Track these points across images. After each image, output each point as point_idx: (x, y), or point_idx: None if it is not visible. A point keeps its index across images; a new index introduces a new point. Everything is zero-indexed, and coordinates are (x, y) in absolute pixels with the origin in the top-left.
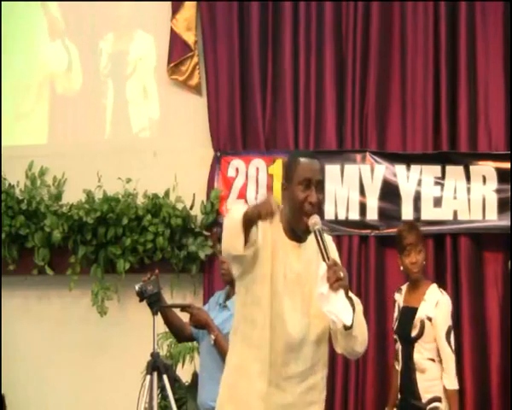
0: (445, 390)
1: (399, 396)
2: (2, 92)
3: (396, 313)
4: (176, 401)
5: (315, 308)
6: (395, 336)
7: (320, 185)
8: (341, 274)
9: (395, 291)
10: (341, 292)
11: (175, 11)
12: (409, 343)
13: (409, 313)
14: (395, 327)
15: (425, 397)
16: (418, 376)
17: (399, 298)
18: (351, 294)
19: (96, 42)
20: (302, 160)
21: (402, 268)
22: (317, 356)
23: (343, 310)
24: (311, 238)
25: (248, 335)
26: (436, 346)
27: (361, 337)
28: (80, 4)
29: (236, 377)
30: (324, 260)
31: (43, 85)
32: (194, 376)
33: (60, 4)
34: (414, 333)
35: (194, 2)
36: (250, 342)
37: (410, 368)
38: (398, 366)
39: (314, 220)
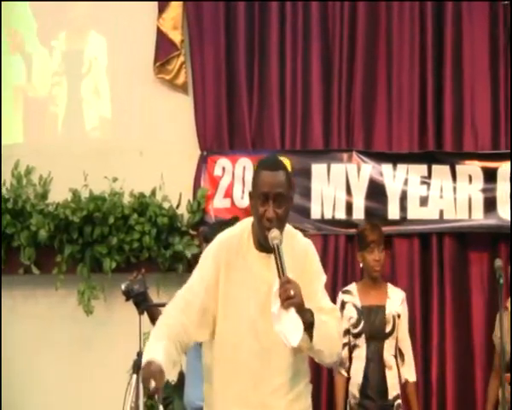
0: (406, 384)
1: (357, 398)
2: None
3: (354, 316)
4: (162, 400)
5: None
6: (351, 339)
7: (281, 198)
8: (292, 292)
9: (342, 293)
10: (292, 311)
11: (161, 10)
12: (380, 341)
13: (375, 311)
14: (359, 328)
15: (391, 394)
16: (387, 373)
17: (352, 299)
18: (326, 304)
19: (80, 40)
20: (263, 172)
21: (362, 265)
22: (295, 365)
23: (291, 330)
24: (285, 244)
25: (222, 359)
26: (396, 342)
27: (328, 351)
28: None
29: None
30: (279, 276)
31: (26, 84)
32: (181, 375)
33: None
34: (388, 329)
35: (181, 2)
36: (225, 365)
37: (379, 366)
38: (346, 373)
39: (273, 234)
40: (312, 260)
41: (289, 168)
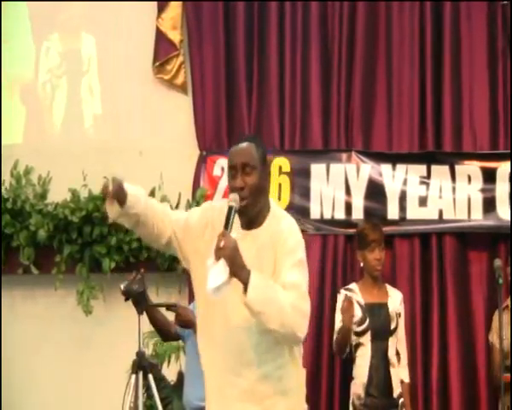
0: (402, 384)
1: (362, 398)
2: None
3: (359, 313)
4: (161, 400)
5: None
6: (354, 338)
7: (248, 167)
8: (222, 243)
9: (342, 289)
10: (221, 261)
11: (160, 10)
12: (384, 338)
13: (379, 308)
14: (364, 326)
15: (396, 392)
16: (391, 371)
17: (355, 297)
18: (290, 277)
19: (79, 40)
20: (232, 148)
21: (362, 264)
22: (264, 344)
23: (214, 277)
24: (268, 224)
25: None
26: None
27: (272, 317)
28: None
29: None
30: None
31: (26, 84)
32: (180, 375)
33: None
34: (393, 326)
35: (180, 2)
36: (206, 342)
37: (384, 364)
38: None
39: (231, 197)
40: (287, 238)
41: (289, 169)
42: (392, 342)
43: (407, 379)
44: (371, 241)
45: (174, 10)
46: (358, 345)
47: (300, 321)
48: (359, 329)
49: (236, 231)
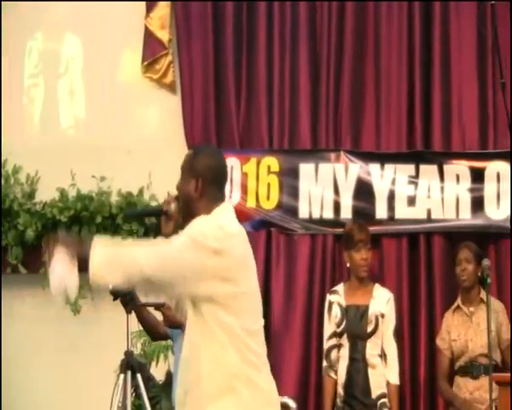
0: (388, 385)
1: (342, 396)
2: None
3: (338, 315)
4: (150, 399)
5: None
6: (334, 339)
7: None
8: None
9: (329, 294)
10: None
11: (149, 9)
12: (362, 340)
13: (358, 310)
14: (341, 327)
15: (375, 393)
16: (370, 371)
17: (338, 299)
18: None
19: (61, 40)
20: None
21: (349, 265)
22: (194, 339)
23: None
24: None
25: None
26: (381, 342)
27: (111, 274)
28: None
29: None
30: None
31: (14, 83)
32: (168, 374)
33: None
34: (370, 329)
35: (169, 1)
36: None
37: (363, 365)
38: (335, 375)
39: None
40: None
41: (278, 168)
42: (372, 343)
43: (393, 380)
44: (358, 241)
45: (163, 10)
46: (340, 346)
47: (140, 259)
48: (338, 330)
49: None
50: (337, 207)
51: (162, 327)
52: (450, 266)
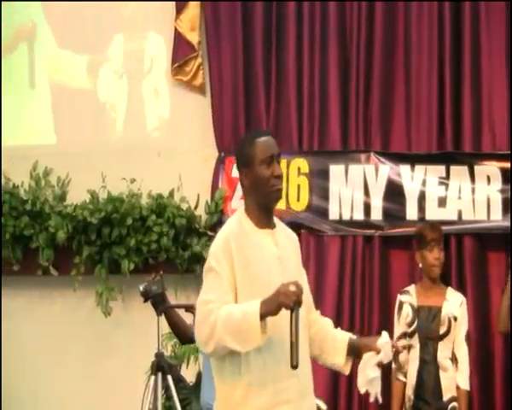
0: (458, 389)
1: (412, 400)
2: (7, 92)
3: (410, 315)
4: (180, 401)
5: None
6: (405, 339)
7: (279, 157)
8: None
9: (400, 294)
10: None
11: (179, 11)
12: (434, 342)
13: (431, 312)
14: (413, 327)
15: (446, 396)
16: (441, 374)
17: (409, 299)
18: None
19: (100, 42)
20: (259, 140)
21: (421, 265)
22: (307, 338)
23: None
24: (278, 226)
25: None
26: (452, 345)
27: None
28: (85, 6)
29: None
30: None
31: (47, 85)
32: (199, 376)
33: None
34: (442, 330)
35: (198, 2)
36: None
37: (434, 367)
38: (404, 377)
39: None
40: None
41: (308, 170)
42: (443, 345)
43: (464, 386)
44: (431, 240)
45: (192, 11)
46: (410, 347)
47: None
48: (409, 330)
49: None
50: (367, 208)
51: (191, 330)
52: (481, 266)
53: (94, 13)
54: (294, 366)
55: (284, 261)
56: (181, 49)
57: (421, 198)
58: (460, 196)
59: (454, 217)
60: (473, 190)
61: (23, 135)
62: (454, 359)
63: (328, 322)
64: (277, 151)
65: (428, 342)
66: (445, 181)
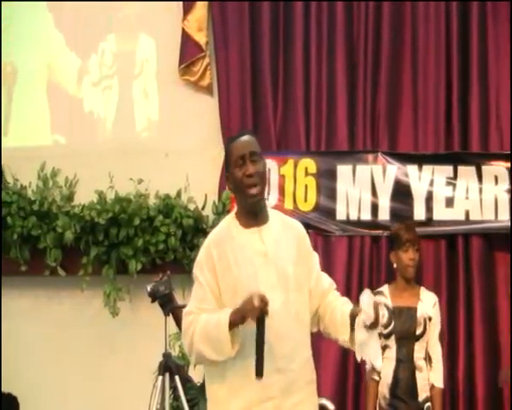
0: (432, 388)
1: (387, 398)
2: (14, 93)
3: (386, 315)
4: (188, 401)
5: (293, 283)
6: (382, 340)
7: (255, 156)
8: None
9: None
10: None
11: (186, 12)
12: (410, 342)
13: (407, 312)
14: (390, 329)
15: (421, 396)
16: (417, 374)
17: (384, 300)
18: (328, 281)
19: (101, 42)
20: (233, 143)
21: (395, 266)
22: (300, 333)
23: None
24: (272, 219)
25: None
26: (426, 345)
27: None
28: (85, 6)
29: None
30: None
31: (53, 87)
32: None
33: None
34: (419, 331)
35: (206, 3)
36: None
37: (410, 367)
38: (378, 377)
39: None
40: (305, 237)
41: (315, 170)
42: (419, 346)
43: (438, 384)
44: (406, 241)
45: (200, 11)
46: (385, 347)
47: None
48: (385, 331)
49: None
50: (375, 208)
51: None
52: (489, 266)
53: (94, 13)
54: (259, 377)
55: (272, 257)
56: (188, 50)
57: (429, 198)
58: (467, 197)
59: (461, 217)
60: (480, 191)
61: (31, 136)
62: (428, 358)
63: (340, 301)
64: (250, 150)
65: (404, 343)
66: (452, 181)
